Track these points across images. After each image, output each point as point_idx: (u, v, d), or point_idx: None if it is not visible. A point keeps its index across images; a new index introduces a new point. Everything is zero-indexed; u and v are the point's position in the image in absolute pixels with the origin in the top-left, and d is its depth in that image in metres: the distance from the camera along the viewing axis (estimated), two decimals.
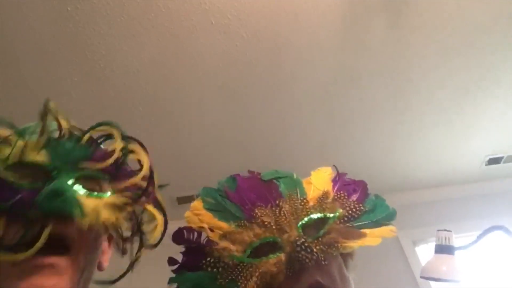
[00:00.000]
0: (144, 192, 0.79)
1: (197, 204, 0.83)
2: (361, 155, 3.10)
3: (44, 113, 0.75)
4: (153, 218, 0.81)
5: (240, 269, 0.73)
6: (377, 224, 0.78)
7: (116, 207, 0.74)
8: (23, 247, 0.65)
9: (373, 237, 0.75)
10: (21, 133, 0.74)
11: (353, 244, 0.73)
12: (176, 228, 0.81)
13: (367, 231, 0.76)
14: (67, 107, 2.30)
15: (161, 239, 0.82)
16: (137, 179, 0.78)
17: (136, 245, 0.84)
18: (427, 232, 3.15)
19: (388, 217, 0.81)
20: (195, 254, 0.78)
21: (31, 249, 0.65)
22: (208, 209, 0.81)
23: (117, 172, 0.77)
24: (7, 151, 0.72)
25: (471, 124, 2.96)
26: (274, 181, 0.84)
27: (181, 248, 0.81)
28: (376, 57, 2.35)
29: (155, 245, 0.81)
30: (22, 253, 0.65)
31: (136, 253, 0.81)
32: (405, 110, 2.76)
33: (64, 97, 2.27)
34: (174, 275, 0.79)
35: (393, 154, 3.17)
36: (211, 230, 0.78)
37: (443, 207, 3.52)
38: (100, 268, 0.83)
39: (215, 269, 0.75)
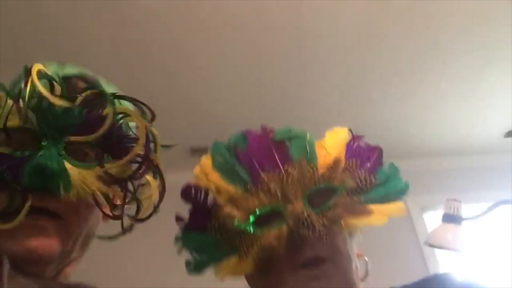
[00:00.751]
0: (143, 163, 0.77)
1: (206, 161, 0.81)
2: (376, 118, 3.06)
3: (28, 77, 0.71)
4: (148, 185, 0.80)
5: (242, 238, 0.73)
6: (386, 199, 0.76)
7: (109, 177, 0.73)
8: (9, 216, 0.66)
9: (380, 215, 0.72)
10: (12, 94, 0.71)
11: (358, 222, 0.71)
12: (187, 181, 0.80)
13: (374, 207, 0.73)
14: (85, 48, 2.28)
15: (156, 208, 0.80)
16: (136, 150, 0.75)
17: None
18: (436, 199, 3.13)
19: (399, 192, 0.78)
20: (201, 214, 0.78)
21: (13, 222, 0.65)
22: (217, 169, 0.79)
23: (112, 138, 0.74)
24: None
25: (492, 95, 2.88)
26: (286, 141, 0.81)
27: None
28: (402, 18, 2.26)
29: (149, 216, 0.80)
30: (6, 222, 0.65)
31: (131, 221, 0.80)
32: (426, 75, 2.69)
33: (83, 37, 2.24)
34: (180, 233, 0.79)
35: (409, 119, 3.13)
36: (218, 192, 0.77)
37: (456, 176, 3.48)
38: (104, 220, 0.83)
39: (218, 234, 0.75)
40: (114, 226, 0.81)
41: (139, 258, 2.82)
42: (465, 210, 2.34)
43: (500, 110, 3.05)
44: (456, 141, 3.40)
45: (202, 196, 0.78)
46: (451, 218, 2.27)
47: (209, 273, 0.78)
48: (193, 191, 0.79)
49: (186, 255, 0.79)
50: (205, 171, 0.80)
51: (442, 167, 3.55)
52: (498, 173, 3.44)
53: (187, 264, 0.77)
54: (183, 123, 2.91)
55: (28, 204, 0.66)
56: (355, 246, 0.80)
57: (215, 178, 0.78)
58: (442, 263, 3.06)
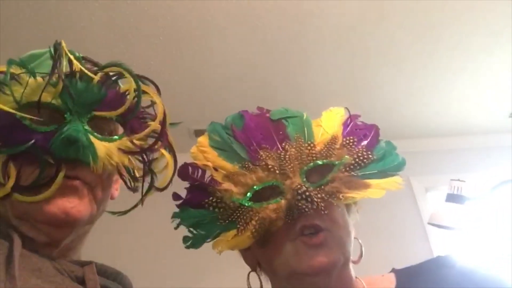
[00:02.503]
0: (160, 138, 0.81)
1: (203, 140, 0.83)
2: (381, 98, 3.02)
3: (56, 54, 0.73)
4: (163, 158, 0.84)
5: (240, 212, 0.74)
6: (384, 174, 0.76)
7: (129, 150, 0.77)
8: (38, 188, 0.68)
9: (377, 188, 0.73)
10: (32, 71, 0.74)
11: (356, 196, 0.72)
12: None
13: (372, 181, 0.74)
14: (85, 33, 2.26)
15: (170, 180, 0.83)
16: (154, 126, 0.80)
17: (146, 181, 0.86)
18: (440, 179, 3.13)
19: (396, 167, 0.78)
20: (198, 191, 0.78)
21: (48, 191, 0.68)
22: (214, 147, 0.81)
23: (131, 114, 0.78)
24: (19, 90, 0.72)
25: (497, 74, 2.84)
26: (283, 121, 0.82)
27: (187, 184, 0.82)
28: None
29: (165, 187, 0.83)
30: (37, 194, 0.68)
31: (146, 192, 0.84)
32: (432, 54, 2.64)
33: (82, 23, 2.22)
34: (178, 210, 0.80)
35: (415, 99, 3.08)
36: (215, 169, 0.78)
37: (460, 156, 3.46)
38: (112, 197, 0.85)
39: (216, 209, 0.76)
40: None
41: (137, 239, 2.87)
42: (468, 190, 2.34)
43: (504, 90, 3.00)
44: (461, 122, 3.37)
45: (199, 174, 0.79)
46: (454, 198, 2.28)
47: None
48: (190, 169, 0.80)
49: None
50: (202, 150, 0.81)
51: (446, 148, 3.52)
52: (503, 154, 3.41)
53: (185, 239, 0.78)
54: (188, 107, 2.91)
55: (62, 173, 0.69)
56: (352, 225, 0.80)
57: (213, 156, 0.79)
58: (446, 243, 3.06)
